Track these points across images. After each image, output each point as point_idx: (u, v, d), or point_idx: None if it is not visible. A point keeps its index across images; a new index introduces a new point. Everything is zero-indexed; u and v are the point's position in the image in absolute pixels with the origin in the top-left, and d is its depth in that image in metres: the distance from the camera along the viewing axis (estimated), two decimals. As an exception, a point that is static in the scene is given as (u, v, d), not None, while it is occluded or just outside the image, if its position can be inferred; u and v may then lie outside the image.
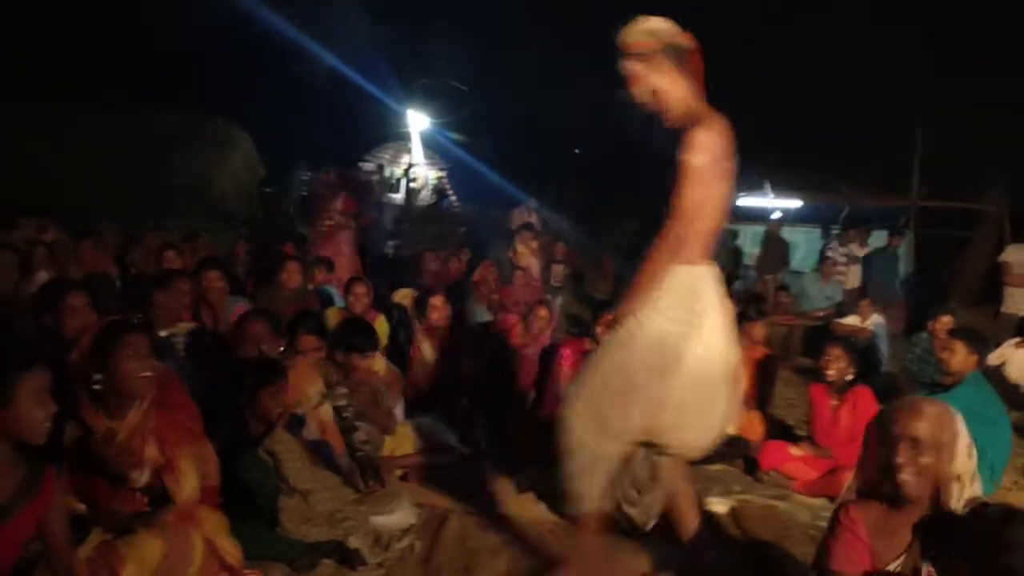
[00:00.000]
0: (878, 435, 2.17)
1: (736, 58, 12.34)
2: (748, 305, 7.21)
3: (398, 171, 18.96)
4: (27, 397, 2.15)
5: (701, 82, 2.75)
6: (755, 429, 5.02)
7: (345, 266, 7.82)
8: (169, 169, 11.71)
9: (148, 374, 2.65)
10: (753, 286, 10.64)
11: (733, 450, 4.79)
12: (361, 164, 18.04)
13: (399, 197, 17.83)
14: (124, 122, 11.71)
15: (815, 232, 13.46)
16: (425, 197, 17.47)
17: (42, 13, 12.36)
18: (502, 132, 17.04)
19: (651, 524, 3.34)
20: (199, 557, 2.57)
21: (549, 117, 15.61)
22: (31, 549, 2.24)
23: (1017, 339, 6.77)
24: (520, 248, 8.62)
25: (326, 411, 3.72)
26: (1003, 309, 7.96)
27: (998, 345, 6.72)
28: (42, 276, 5.19)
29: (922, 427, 2.08)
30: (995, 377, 5.88)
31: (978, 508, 2.05)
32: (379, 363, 4.36)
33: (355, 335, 4.16)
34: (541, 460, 3.55)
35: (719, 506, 4.02)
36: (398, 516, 3.45)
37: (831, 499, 4.22)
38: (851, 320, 8.21)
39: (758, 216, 13.52)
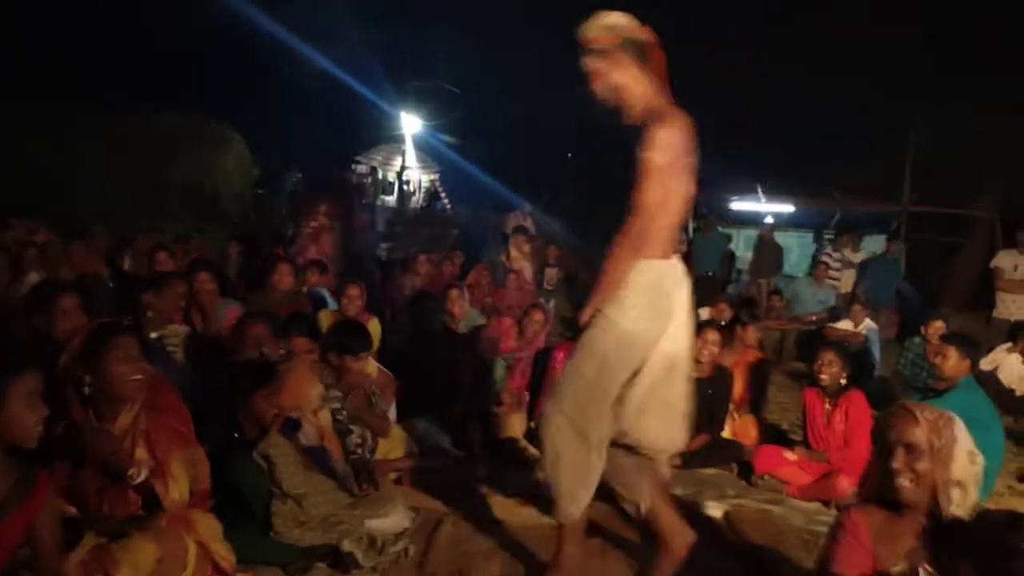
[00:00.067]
0: (876, 441, 2.18)
1: (736, 58, 12.39)
2: (741, 309, 7.22)
3: (391, 174, 18.95)
4: (18, 401, 2.13)
5: (663, 77, 2.72)
6: (749, 433, 5.04)
7: (329, 267, 7.82)
8: (169, 169, 11.71)
9: (138, 377, 2.62)
10: (746, 290, 10.67)
11: (727, 454, 4.80)
12: (354, 166, 18.05)
13: (392, 199, 17.82)
14: (124, 122, 11.68)
15: (808, 236, 13.53)
16: (418, 200, 17.48)
17: (42, 13, 12.28)
18: (495, 135, 17.04)
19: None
20: (192, 561, 2.55)
21: (542, 119, 15.61)
22: (20, 554, 2.21)
23: (1009, 344, 6.82)
24: (513, 252, 8.60)
25: (325, 416, 3.69)
26: (995, 314, 7.98)
27: (991, 350, 6.77)
28: (33, 277, 5.16)
29: (918, 433, 2.09)
30: (988, 382, 5.91)
31: (981, 514, 2.06)
32: (371, 366, 4.34)
33: (348, 337, 4.13)
34: (534, 464, 3.53)
35: (713, 510, 4.00)
36: (392, 520, 3.42)
37: (825, 503, 4.23)
38: (844, 324, 8.24)
39: (751, 220, 13.57)
